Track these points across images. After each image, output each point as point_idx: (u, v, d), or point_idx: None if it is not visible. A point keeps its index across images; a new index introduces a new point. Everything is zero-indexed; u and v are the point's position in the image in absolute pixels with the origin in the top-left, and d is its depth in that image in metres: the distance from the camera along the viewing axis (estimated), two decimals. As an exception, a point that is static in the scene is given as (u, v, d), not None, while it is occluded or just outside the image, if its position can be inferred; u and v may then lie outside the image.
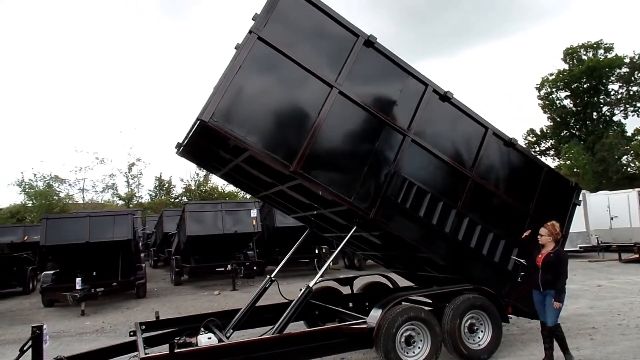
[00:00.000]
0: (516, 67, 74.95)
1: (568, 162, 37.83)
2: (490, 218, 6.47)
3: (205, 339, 5.63)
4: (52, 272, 12.79)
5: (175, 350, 4.84)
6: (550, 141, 43.89)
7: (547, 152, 44.17)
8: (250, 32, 5.32)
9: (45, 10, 63.01)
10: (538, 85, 41.74)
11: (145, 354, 5.08)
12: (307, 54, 5.59)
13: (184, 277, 16.01)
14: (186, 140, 6.06)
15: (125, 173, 35.77)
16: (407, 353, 5.55)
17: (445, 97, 6.31)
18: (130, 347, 5.86)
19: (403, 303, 5.74)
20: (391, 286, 8.12)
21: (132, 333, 6.20)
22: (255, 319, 6.92)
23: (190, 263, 15.66)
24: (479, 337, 6.00)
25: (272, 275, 7.16)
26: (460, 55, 79.90)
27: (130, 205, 34.24)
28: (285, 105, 5.52)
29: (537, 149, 44.24)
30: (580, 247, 17.82)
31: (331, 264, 17.16)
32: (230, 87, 5.16)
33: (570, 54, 40.11)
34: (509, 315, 6.37)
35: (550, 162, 41.03)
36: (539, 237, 5.76)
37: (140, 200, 36.08)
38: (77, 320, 10.45)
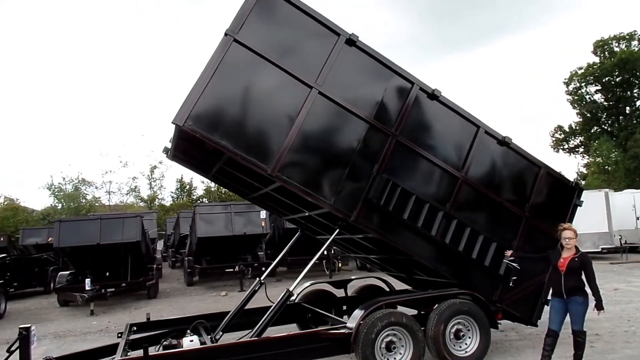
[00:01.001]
0: (540, 62, 72.99)
1: (598, 160, 36.55)
2: (482, 220, 6.27)
3: (188, 342, 5.65)
4: (67, 272, 13.13)
5: (150, 353, 4.88)
6: (580, 138, 42.48)
7: (576, 149, 42.81)
8: (225, 34, 5.30)
9: (60, 13, 64.59)
10: (566, 80, 40.46)
11: (124, 356, 5.15)
12: (285, 55, 5.53)
13: (196, 278, 16.18)
14: (171, 144, 6.11)
15: (148, 176, 36.52)
16: (388, 359, 5.43)
17: (433, 96, 6.15)
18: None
19: (384, 308, 5.61)
20: (387, 289, 7.98)
21: (119, 334, 6.28)
22: (245, 322, 6.89)
23: (202, 264, 15.86)
24: (465, 344, 5.82)
25: (262, 278, 7.15)
26: (482, 51, 78.37)
27: (152, 207, 34.92)
28: (262, 107, 5.46)
29: (566, 146, 42.93)
30: (602, 249, 17.14)
31: (340, 264, 17.01)
32: (205, 91, 5.14)
33: (601, 46, 38.70)
34: (499, 321, 6.16)
35: (579, 159, 39.73)
36: (566, 240, 5.46)
37: (162, 202, 36.83)
38: (85, 319, 10.70)
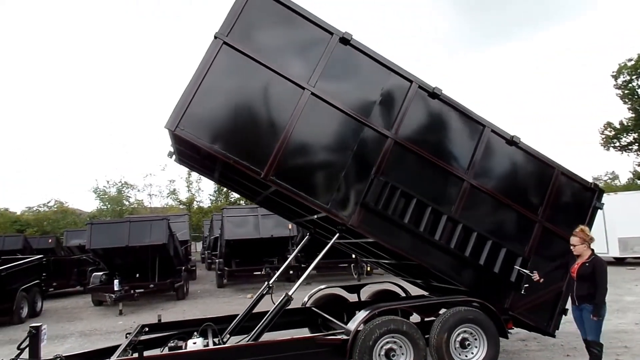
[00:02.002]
0: (540, 62, 70.07)
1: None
2: (490, 225, 5.97)
3: (191, 344, 5.71)
4: (101, 273, 13.63)
5: (145, 354, 4.95)
6: (633, 135, 39.96)
7: (629, 147, 40.31)
8: (215, 37, 5.29)
9: (61, 13, 66.45)
10: (614, 73, 38.18)
11: (124, 356, 5.25)
12: (277, 56, 5.45)
13: (226, 281, 16.43)
14: (173, 149, 6.20)
15: (186, 178, 37.48)
16: (387, 367, 5.27)
17: (434, 94, 5.93)
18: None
19: (384, 315, 5.44)
20: (403, 295, 7.79)
21: (127, 334, 6.42)
22: (253, 325, 6.86)
23: (231, 266, 16.07)
24: (472, 353, 5.55)
25: (270, 282, 7.13)
26: (479, 54, 75.88)
27: (190, 210, 35.83)
28: (254, 110, 5.41)
29: (617, 144, 40.48)
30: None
31: (369, 268, 16.75)
32: (196, 95, 5.15)
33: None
34: (510, 330, 5.85)
35: (633, 157, 37.40)
36: (571, 247, 5.26)
37: (200, 205, 37.69)
38: (113, 319, 11.07)
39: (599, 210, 6.50)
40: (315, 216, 6.05)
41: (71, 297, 15.67)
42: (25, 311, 11.37)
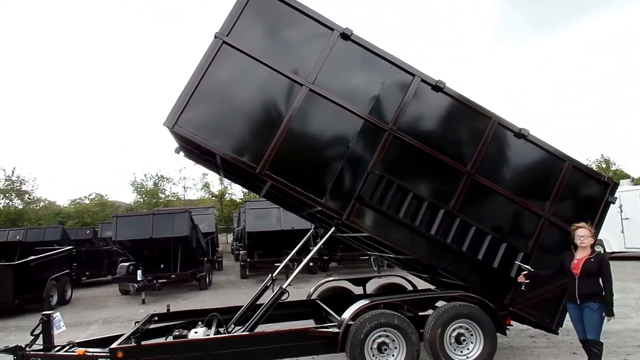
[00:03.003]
0: (540, 62, 67.10)
1: None
2: (490, 219, 5.85)
3: (192, 333, 5.90)
4: (127, 264, 14.17)
5: (142, 343, 5.16)
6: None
7: None
8: (215, 37, 5.42)
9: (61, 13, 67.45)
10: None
11: (126, 344, 5.48)
12: (276, 54, 5.55)
13: (249, 272, 16.73)
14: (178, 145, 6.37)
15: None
16: (380, 361, 5.28)
17: (437, 87, 5.84)
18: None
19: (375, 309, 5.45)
20: (410, 288, 7.75)
21: (136, 323, 6.68)
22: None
23: (254, 258, 16.34)
24: (467, 349, 5.49)
25: (274, 274, 7.24)
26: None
27: (222, 202, 36.54)
28: (252, 107, 5.52)
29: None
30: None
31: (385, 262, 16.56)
32: (195, 93, 5.31)
33: None
34: (508, 326, 5.74)
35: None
36: (580, 239, 5.00)
37: (232, 197, 38.41)
38: (136, 307, 11.50)
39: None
40: (312, 210, 6.11)
41: (102, 287, 16.36)
42: (55, 299, 11.99)
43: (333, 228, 5.86)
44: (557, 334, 5.94)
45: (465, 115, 5.97)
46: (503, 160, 6.06)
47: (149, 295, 12.80)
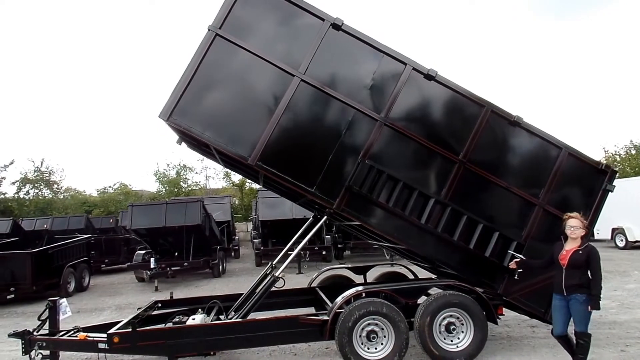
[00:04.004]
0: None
1: None
2: (483, 208, 5.81)
3: (190, 320, 6.07)
4: (143, 251, 14.55)
5: (137, 329, 5.35)
6: None
7: None
8: (208, 29, 5.49)
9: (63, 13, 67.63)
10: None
11: (124, 329, 5.69)
12: (269, 46, 5.60)
13: (263, 260, 16.95)
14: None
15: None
16: (368, 348, 5.35)
17: (429, 76, 5.79)
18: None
19: (365, 296, 5.50)
20: (411, 277, 7.76)
21: (139, 308, 6.90)
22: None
23: (268, 246, 16.55)
24: (458, 339, 5.50)
25: (274, 262, 7.34)
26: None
27: (243, 191, 36.91)
28: (244, 98, 5.59)
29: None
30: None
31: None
32: (189, 86, 5.42)
33: None
34: (499, 316, 5.72)
35: None
36: (571, 229, 4.92)
37: (251, 186, 38.69)
38: (149, 294, 11.82)
39: None
40: (303, 200, 6.17)
41: (120, 274, 16.85)
42: (72, 286, 12.43)
43: (325, 217, 5.92)
44: (551, 323, 5.86)
45: (458, 103, 5.92)
46: (497, 148, 5.98)
47: (163, 283, 13.14)
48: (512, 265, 5.42)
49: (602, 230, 17.15)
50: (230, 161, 6.55)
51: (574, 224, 4.91)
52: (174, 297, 7.60)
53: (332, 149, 5.58)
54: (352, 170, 5.54)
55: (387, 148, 5.69)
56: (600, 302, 4.74)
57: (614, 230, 17.58)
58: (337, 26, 5.65)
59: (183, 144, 6.62)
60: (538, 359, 5.59)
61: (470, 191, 5.83)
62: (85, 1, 65.08)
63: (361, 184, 5.49)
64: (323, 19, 5.65)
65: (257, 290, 5.98)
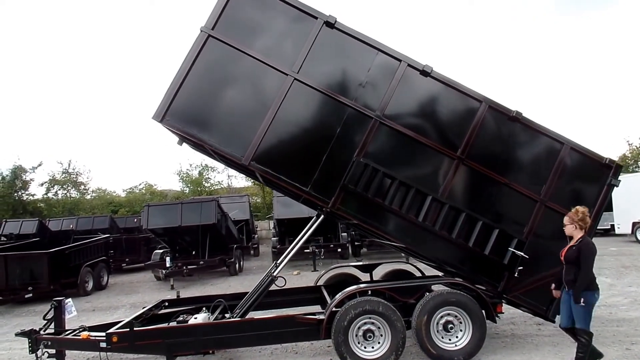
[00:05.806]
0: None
1: None
2: (482, 205, 5.71)
3: (192, 319, 6.17)
4: (161, 251, 14.81)
5: (135, 328, 5.46)
6: None
7: None
8: (201, 31, 5.55)
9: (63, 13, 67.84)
10: None
11: (125, 329, 5.82)
12: (262, 45, 5.63)
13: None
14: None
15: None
16: (365, 348, 5.34)
17: (425, 72, 5.72)
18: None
19: (360, 296, 5.48)
20: (418, 274, 7.68)
21: (144, 307, 7.04)
22: (263, 302, 7.23)
23: (284, 244, 16.64)
24: (456, 337, 5.43)
25: (278, 261, 7.38)
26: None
27: (264, 190, 37.14)
28: (237, 98, 5.64)
29: None
30: None
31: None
32: (182, 87, 5.50)
33: None
34: (498, 314, 5.61)
35: None
36: (564, 227, 4.99)
37: (271, 184, 39.00)
38: (164, 293, 12.04)
39: None
40: (300, 199, 6.17)
41: (140, 273, 17.20)
42: (90, 284, 12.76)
43: (321, 216, 5.92)
44: (553, 322, 5.73)
45: (455, 99, 5.83)
46: (496, 144, 5.87)
47: (180, 281, 13.36)
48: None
49: (622, 224, 16.62)
50: (228, 161, 6.60)
51: (564, 221, 4.95)
52: (186, 296, 7.69)
53: (326, 147, 5.56)
54: (347, 169, 5.51)
55: (383, 146, 5.65)
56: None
57: (634, 224, 17.01)
58: (330, 24, 5.64)
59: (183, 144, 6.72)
60: (539, 357, 5.45)
61: (469, 188, 5.75)
62: (100, 2, 66.15)
63: (356, 182, 5.46)
64: (316, 17, 5.64)
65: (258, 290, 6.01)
